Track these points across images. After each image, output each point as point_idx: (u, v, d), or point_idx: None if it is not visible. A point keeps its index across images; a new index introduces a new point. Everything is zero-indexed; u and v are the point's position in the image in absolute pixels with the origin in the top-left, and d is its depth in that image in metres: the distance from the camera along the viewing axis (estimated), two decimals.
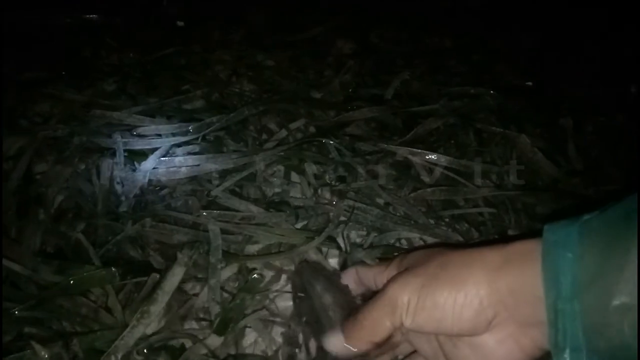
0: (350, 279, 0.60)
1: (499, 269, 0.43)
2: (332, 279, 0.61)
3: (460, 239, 0.77)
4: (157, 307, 0.61)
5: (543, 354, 0.45)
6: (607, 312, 0.35)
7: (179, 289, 0.67)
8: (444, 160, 0.88)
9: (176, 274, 0.65)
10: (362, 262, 0.70)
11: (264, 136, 0.94)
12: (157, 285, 0.63)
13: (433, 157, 0.88)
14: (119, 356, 0.56)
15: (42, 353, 0.54)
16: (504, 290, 0.42)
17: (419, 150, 0.89)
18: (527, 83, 1.20)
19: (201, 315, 0.66)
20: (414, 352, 0.56)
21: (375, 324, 0.47)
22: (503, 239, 0.46)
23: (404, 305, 0.45)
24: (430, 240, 0.78)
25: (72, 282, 0.61)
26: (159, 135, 0.88)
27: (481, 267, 0.44)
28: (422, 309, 0.45)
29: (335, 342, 0.51)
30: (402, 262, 0.52)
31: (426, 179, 0.87)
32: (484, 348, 0.46)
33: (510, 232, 0.79)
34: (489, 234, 0.79)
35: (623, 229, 0.36)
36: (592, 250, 0.37)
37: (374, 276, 0.55)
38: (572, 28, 1.25)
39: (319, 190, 0.83)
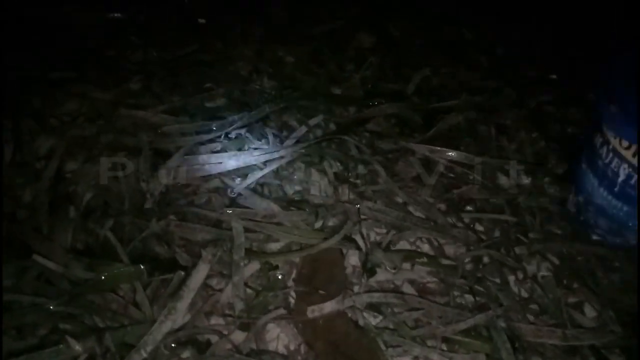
0: None
1: None
2: None
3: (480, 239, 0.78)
4: (183, 304, 0.63)
5: None
6: None
7: (205, 285, 0.70)
8: (464, 157, 0.88)
9: (201, 272, 0.67)
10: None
11: (285, 133, 0.95)
12: (182, 282, 0.66)
13: (453, 154, 0.88)
14: (148, 350, 0.58)
15: (77, 347, 0.57)
16: None
17: (439, 148, 0.89)
18: (551, 76, 1.18)
19: (226, 311, 0.68)
20: None
21: None
22: None
23: None
24: (450, 241, 0.79)
25: (103, 278, 0.63)
26: (183, 133, 0.90)
27: None
28: None
29: None
30: None
31: (446, 177, 0.87)
32: None
33: (531, 234, 0.79)
34: (510, 234, 0.79)
35: None
36: None
37: None
38: (597, 20, 1.22)
39: (339, 189, 0.84)
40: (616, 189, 0.74)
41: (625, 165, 0.71)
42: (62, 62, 1.08)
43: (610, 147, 0.73)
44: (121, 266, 0.66)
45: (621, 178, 0.73)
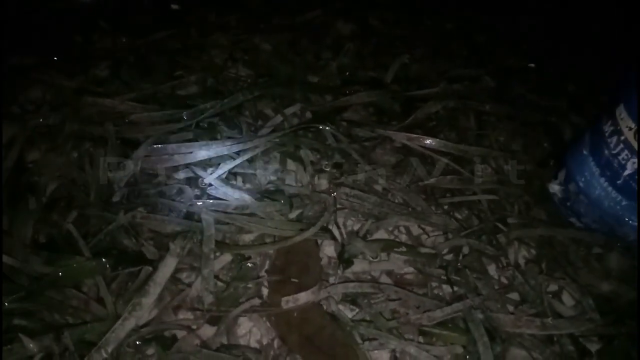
0: None
1: None
2: None
3: (460, 226, 0.76)
4: (149, 299, 0.60)
5: None
6: None
7: (174, 278, 0.66)
8: (443, 145, 0.86)
9: (168, 266, 0.64)
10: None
11: (259, 122, 0.92)
12: (149, 277, 0.63)
13: (432, 142, 0.86)
14: (110, 349, 0.55)
15: (31, 346, 0.53)
16: None
17: (417, 136, 0.87)
18: (529, 65, 1.17)
19: (195, 305, 0.65)
20: None
21: None
22: None
23: None
24: (428, 228, 0.77)
25: (61, 273, 0.60)
26: (152, 122, 0.87)
27: None
28: None
29: None
30: None
31: (425, 165, 0.85)
32: None
33: (510, 221, 0.78)
34: (489, 221, 0.78)
35: None
36: None
37: None
38: (575, 10, 1.21)
39: (315, 178, 0.82)
40: (619, 182, 0.71)
41: (635, 160, 0.68)
42: (26, 49, 1.03)
43: (622, 138, 0.69)
44: (82, 260, 0.62)
45: (628, 171, 0.70)
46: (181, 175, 0.79)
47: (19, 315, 0.58)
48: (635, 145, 0.68)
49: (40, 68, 0.97)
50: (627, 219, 0.73)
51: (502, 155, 0.87)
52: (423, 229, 0.78)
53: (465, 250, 0.74)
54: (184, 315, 0.64)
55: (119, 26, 1.12)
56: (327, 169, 0.83)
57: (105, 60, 1.01)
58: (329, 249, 0.73)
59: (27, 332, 0.55)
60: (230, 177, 0.80)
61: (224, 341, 0.62)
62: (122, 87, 0.94)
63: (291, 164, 0.84)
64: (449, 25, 1.34)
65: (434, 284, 0.70)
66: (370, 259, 0.71)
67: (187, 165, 0.79)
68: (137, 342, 0.58)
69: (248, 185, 0.80)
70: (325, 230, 0.73)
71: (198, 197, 0.75)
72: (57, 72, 0.96)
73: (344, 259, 0.71)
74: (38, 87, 0.94)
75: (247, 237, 0.73)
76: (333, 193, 0.78)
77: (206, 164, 0.80)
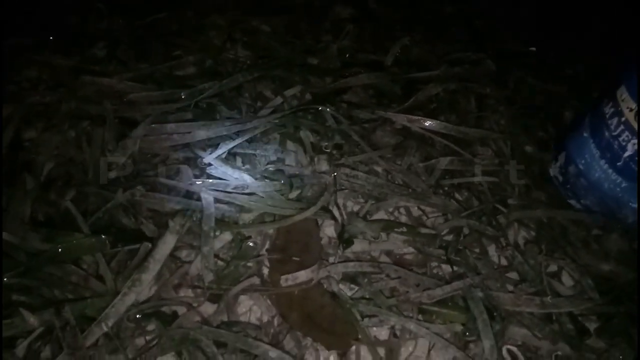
0: None
1: None
2: None
3: (460, 207, 0.76)
4: (149, 275, 0.60)
5: None
6: None
7: (173, 257, 0.66)
8: (443, 127, 0.86)
9: (168, 242, 0.64)
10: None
11: (259, 103, 0.91)
12: (149, 254, 0.62)
13: (432, 124, 0.86)
14: (110, 323, 0.55)
15: (32, 320, 0.53)
16: None
17: (417, 118, 0.86)
18: (530, 48, 1.16)
19: (195, 283, 0.65)
20: None
21: None
22: None
23: None
24: (428, 210, 0.77)
25: (60, 249, 0.59)
26: (150, 102, 0.86)
27: None
28: None
29: None
30: None
31: (425, 147, 0.85)
32: None
33: (510, 202, 0.78)
34: (489, 202, 0.78)
35: None
36: None
37: None
38: None
39: (315, 159, 0.81)
40: (619, 164, 0.71)
41: (636, 141, 0.67)
42: (22, 28, 1.01)
43: (623, 119, 0.69)
44: (81, 237, 0.62)
45: (628, 153, 0.69)
46: (180, 154, 0.78)
47: (18, 291, 0.57)
48: (636, 126, 0.68)
49: (37, 48, 0.96)
50: (627, 201, 0.74)
51: (503, 138, 0.87)
52: (423, 210, 0.78)
53: (465, 230, 0.74)
54: (185, 293, 0.64)
55: (116, 7, 1.10)
56: (327, 150, 0.83)
57: (102, 40, 0.99)
58: (329, 229, 0.73)
59: (26, 307, 0.54)
60: (229, 158, 0.79)
61: (225, 319, 0.62)
62: (119, 67, 0.93)
63: (291, 145, 0.84)
64: (449, 8, 1.33)
65: (434, 264, 0.70)
66: (371, 239, 0.71)
67: (186, 145, 0.79)
68: (137, 316, 0.58)
69: (247, 166, 0.79)
70: (326, 210, 0.73)
71: (197, 177, 0.75)
72: (53, 52, 0.95)
73: (344, 239, 0.71)
74: (34, 67, 0.93)
75: (247, 217, 0.73)
76: (333, 174, 0.77)
77: (205, 144, 0.80)
